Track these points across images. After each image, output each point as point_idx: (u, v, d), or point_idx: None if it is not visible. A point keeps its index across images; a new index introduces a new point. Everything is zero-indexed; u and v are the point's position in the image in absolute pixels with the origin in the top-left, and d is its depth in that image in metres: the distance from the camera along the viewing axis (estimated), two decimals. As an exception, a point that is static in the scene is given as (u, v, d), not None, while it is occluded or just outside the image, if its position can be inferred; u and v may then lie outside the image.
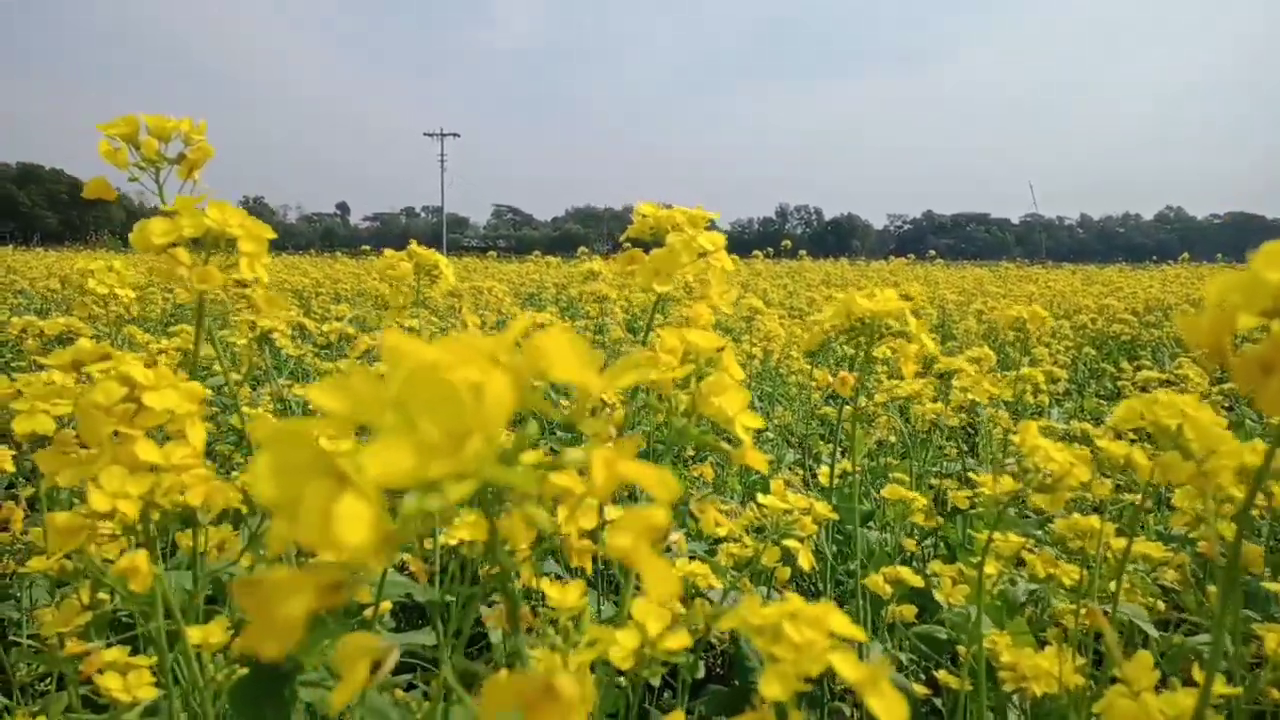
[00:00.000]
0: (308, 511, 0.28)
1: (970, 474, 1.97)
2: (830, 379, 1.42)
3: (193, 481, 0.64)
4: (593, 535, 0.73)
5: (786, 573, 1.24)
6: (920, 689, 1.25)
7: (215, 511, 0.67)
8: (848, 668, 0.41)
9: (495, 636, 1.14)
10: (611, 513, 0.77)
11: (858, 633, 0.44)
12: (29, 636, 1.22)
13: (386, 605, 0.98)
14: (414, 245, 1.28)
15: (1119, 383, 3.55)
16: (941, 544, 1.93)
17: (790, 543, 1.06)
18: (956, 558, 1.72)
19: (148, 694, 0.74)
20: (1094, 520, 1.03)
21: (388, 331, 0.31)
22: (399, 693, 1.14)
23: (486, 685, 0.34)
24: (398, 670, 1.21)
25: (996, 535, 1.05)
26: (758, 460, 0.57)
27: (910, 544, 1.77)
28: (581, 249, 7.69)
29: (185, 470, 0.64)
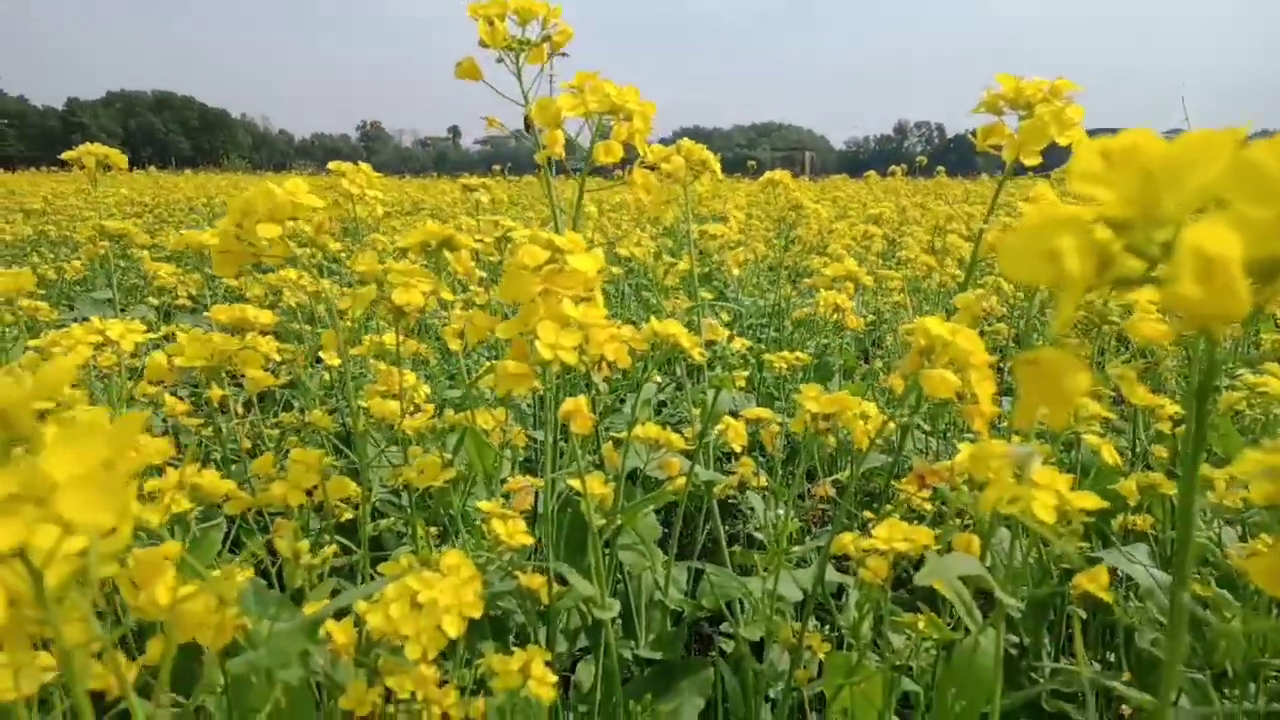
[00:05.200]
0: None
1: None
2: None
3: (608, 339, 0.69)
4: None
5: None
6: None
7: (620, 367, 0.71)
8: None
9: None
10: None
11: None
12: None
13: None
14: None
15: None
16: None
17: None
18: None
19: (525, 540, 0.80)
20: None
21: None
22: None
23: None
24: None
25: None
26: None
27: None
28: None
29: (602, 328, 0.68)
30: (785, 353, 2.01)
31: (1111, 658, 1.40)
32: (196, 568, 0.59)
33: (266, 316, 1.31)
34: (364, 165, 1.67)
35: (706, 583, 1.00)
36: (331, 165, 1.69)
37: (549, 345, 0.65)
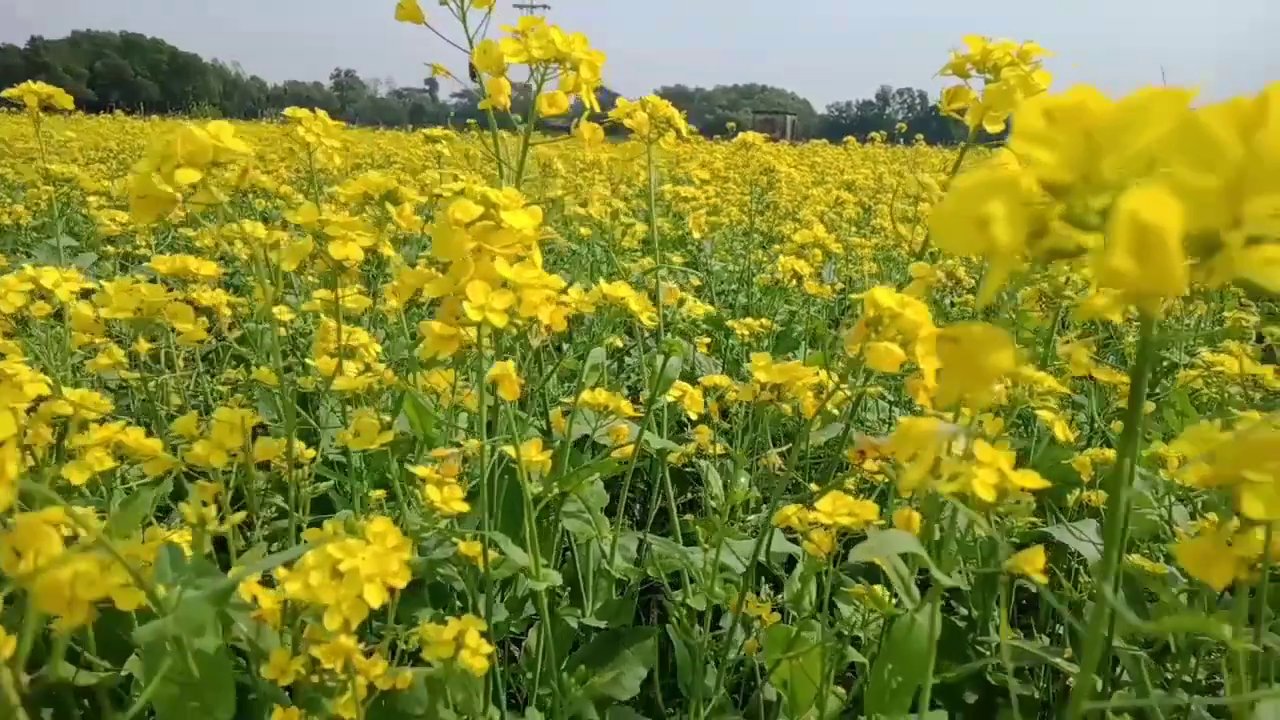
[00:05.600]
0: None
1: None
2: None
3: (543, 300, 0.65)
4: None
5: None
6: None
7: (555, 332, 0.68)
8: None
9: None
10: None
11: None
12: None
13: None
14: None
15: None
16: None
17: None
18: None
19: (460, 508, 0.78)
20: None
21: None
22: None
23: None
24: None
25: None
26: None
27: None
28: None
29: (536, 289, 0.65)
30: (749, 320, 1.99)
31: (1061, 630, 1.41)
32: (99, 532, 0.56)
33: (209, 268, 1.26)
34: (321, 113, 1.60)
35: (650, 552, 0.99)
36: (288, 111, 1.62)
37: (477, 306, 0.62)
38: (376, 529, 0.67)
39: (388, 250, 0.95)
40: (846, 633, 0.96)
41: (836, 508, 0.75)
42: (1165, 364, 2.33)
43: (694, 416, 1.13)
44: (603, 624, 0.99)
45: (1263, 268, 0.26)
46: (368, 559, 0.62)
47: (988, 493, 0.59)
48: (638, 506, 1.61)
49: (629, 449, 1.00)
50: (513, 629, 1.05)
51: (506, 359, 0.67)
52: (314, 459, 1.03)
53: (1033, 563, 0.60)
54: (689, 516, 1.14)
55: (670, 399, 1.09)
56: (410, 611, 0.91)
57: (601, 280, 0.89)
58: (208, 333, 1.09)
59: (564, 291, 0.90)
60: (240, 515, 0.68)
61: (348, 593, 0.61)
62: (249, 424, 0.76)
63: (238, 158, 0.69)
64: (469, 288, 0.63)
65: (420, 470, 0.74)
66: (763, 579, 1.24)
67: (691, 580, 1.04)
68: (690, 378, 1.27)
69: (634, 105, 1.30)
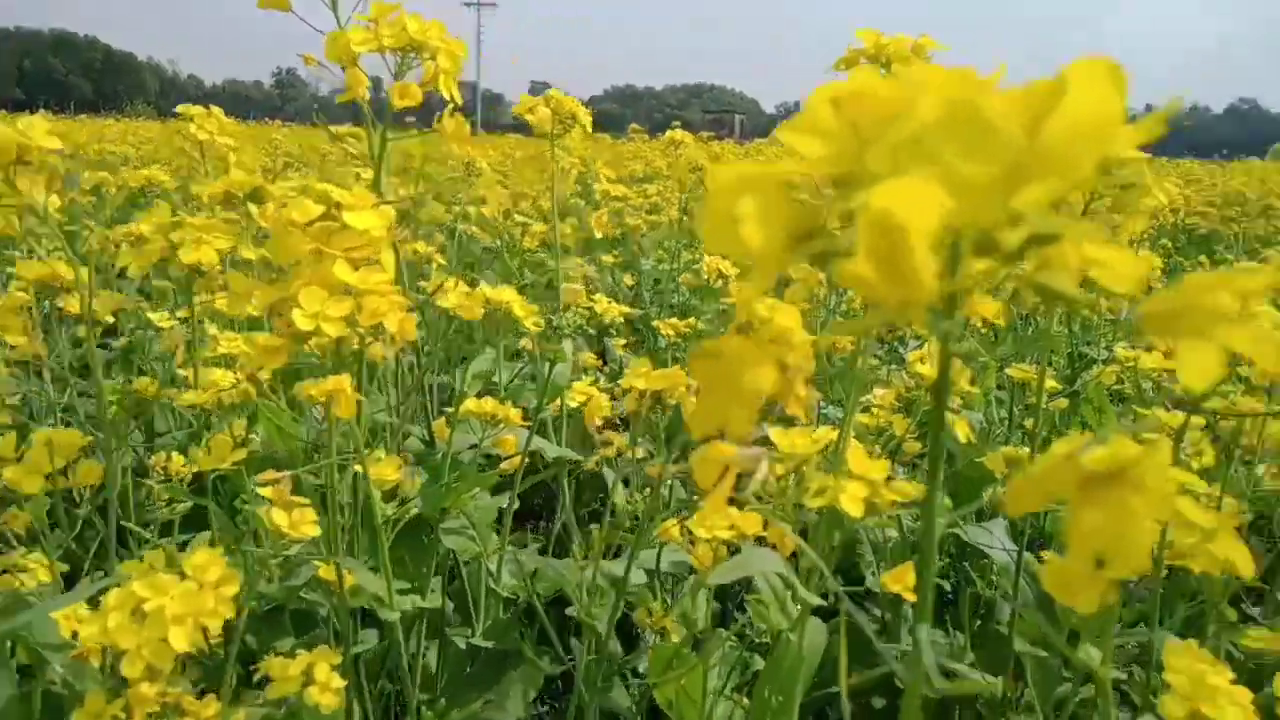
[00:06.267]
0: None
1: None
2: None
3: (389, 307, 0.60)
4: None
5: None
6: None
7: (406, 341, 0.63)
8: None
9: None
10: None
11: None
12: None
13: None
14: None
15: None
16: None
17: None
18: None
19: (312, 531, 0.72)
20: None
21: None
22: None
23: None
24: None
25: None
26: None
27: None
28: (632, 126, 7.44)
29: (381, 295, 0.60)
30: (675, 320, 1.95)
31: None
32: None
33: (81, 274, 1.17)
34: (215, 109, 1.52)
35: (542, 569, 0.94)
36: (180, 108, 1.54)
37: (310, 315, 0.56)
38: (196, 561, 0.61)
39: (249, 253, 0.89)
40: (758, 640, 0.93)
41: (716, 521, 0.71)
42: (1084, 359, 2.36)
43: (598, 423, 1.09)
44: (489, 644, 0.94)
45: (1050, 271, 0.23)
46: (177, 598, 0.57)
47: (856, 508, 0.56)
48: (543, 522, 1.56)
49: (516, 460, 0.95)
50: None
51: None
52: (179, 478, 0.96)
53: (901, 580, 0.57)
54: (594, 526, 1.09)
55: (575, 404, 1.05)
56: (271, 641, 0.85)
57: (482, 283, 0.84)
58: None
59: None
60: (34, 554, 0.62)
61: (150, 635, 0.56)
62: (74, 445, 0.69)
63: (49, 157, 0.62)
64: (301, 294, 0.57)
65: (265, 492, 0.68)
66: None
67: (589, 594, 1.00)
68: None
69: (536, 100, 1.25)
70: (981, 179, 0.21)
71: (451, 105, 0.75)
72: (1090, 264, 0.25)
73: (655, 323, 2.01)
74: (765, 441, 0.44)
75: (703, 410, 0.27)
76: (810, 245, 0.25)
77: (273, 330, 0.60)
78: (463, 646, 0.95)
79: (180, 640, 0.53)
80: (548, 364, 0.87)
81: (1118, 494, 0.24)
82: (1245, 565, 0.51)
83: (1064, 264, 0.24)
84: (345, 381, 0.59)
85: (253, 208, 0.84)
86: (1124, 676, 0.87)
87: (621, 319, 1.67)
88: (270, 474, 0.65)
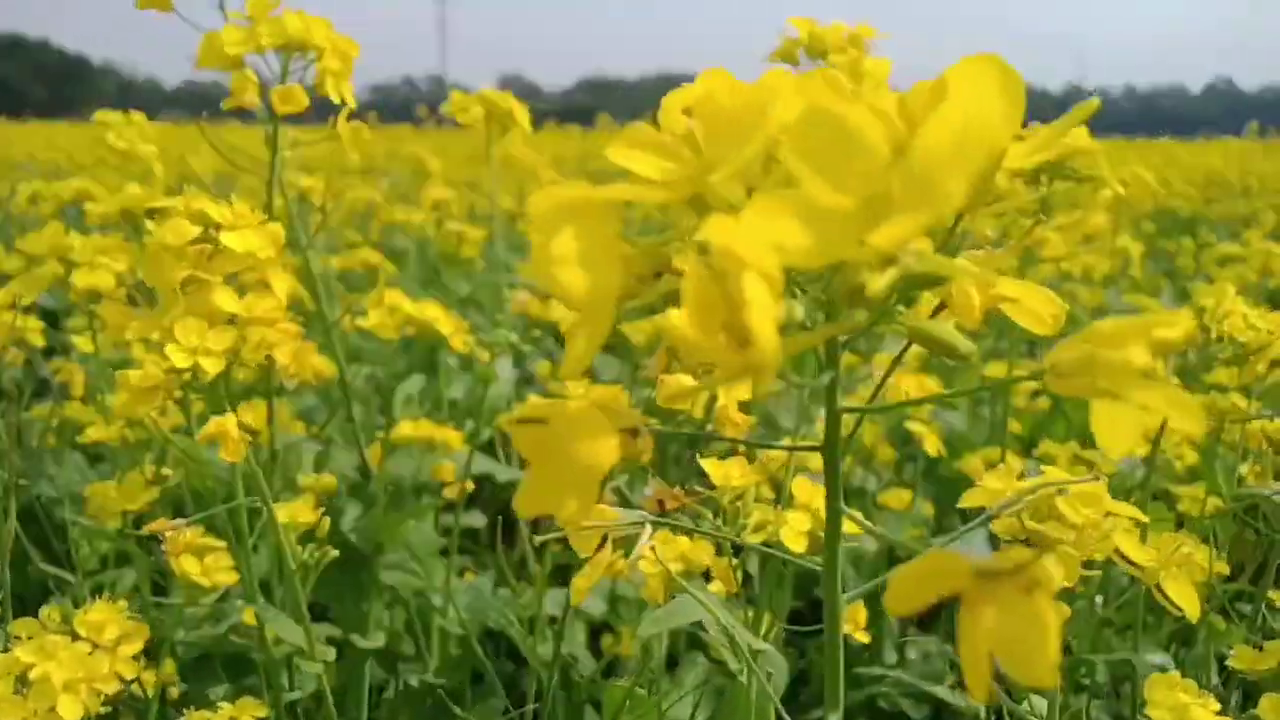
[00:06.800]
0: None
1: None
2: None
3: (280, 337, 0.55)
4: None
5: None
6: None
7: (302, 375, 0.57)
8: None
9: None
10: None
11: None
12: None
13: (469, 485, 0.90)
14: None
15: (1178, 260, 3.44)
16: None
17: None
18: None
19: (227, 578, 0.67)
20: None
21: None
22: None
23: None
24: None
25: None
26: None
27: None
28: (602, 117, 7.37)
29: (270, 324, 0.55)
30: (643, 323, 1.89)
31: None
32: None
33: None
34: (136, 115, 1.44)
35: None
36: (97, 115, 1.46)
37: (187, 349, 0.51)
38: (92, 620, 0.55)
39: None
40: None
41: (664, 552, 0.66)
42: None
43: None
44: (442, 682, 0.88)
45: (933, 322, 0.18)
46: (65, 662, 0.51)
47: (798, 543, 0.51)
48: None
49: (457, 487, 0.89)
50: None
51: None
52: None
53: (853, 619, 0.52)
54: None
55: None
56: (202, 688, 0.79)
57: (403, 300, 0.79)
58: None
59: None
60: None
61: (37, 706, 0.50)
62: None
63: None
64: (176, 326, 0.51)
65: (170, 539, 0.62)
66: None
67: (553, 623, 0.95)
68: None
69: (470, 99, 1.19)
70: (839, 207, 0.16)
71: (346, 109, 0.69)
72: (999, 301, 0.20)
73: (624, 327, 1.96)
74: (660, 502, 0.39)
75: (532, 489, 0.22)
76: (656, 287, 0.20)
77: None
78: (414, 684, 0.90)
79: (71, 711, 0.48)
80: (480, 386, 0.81)
81: (1012, 592, 0.20)
82: (1192, 609, 0.48)
83: (966, 305, 0.19)
84: (230, 423, 0.53)
85: (150, 225, 0.78)
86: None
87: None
88: (161, 522, 0.59)
